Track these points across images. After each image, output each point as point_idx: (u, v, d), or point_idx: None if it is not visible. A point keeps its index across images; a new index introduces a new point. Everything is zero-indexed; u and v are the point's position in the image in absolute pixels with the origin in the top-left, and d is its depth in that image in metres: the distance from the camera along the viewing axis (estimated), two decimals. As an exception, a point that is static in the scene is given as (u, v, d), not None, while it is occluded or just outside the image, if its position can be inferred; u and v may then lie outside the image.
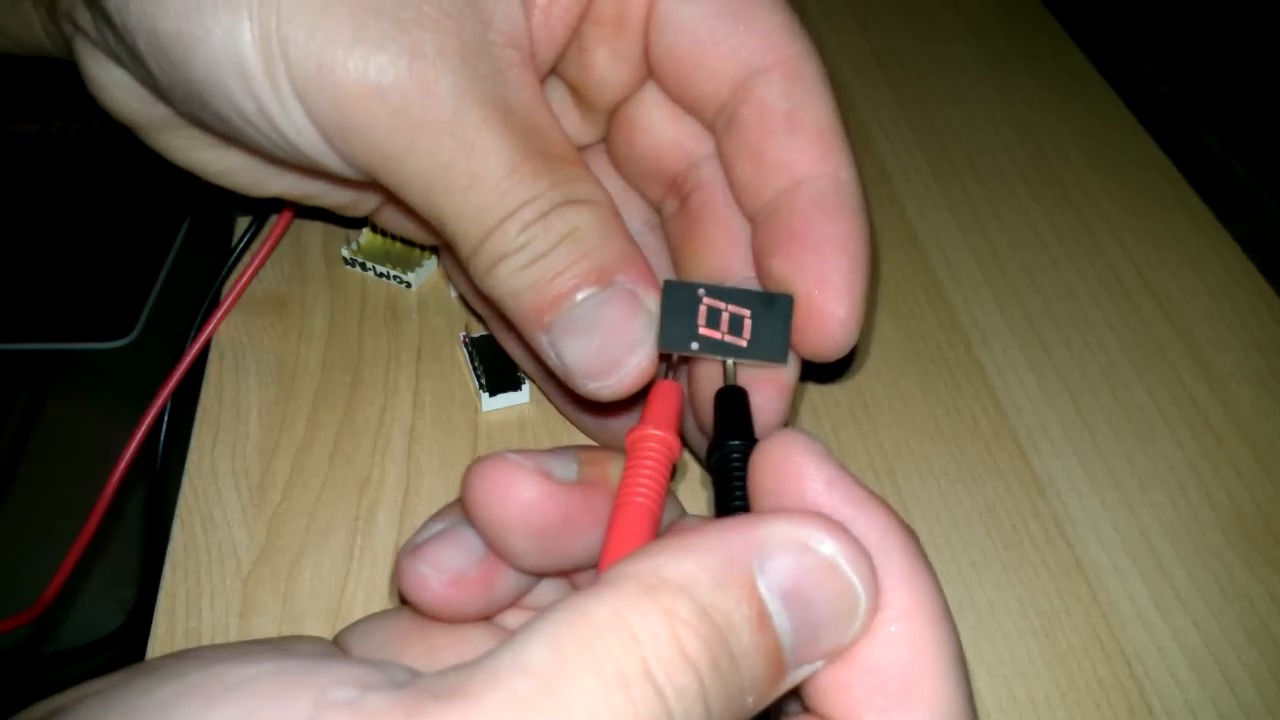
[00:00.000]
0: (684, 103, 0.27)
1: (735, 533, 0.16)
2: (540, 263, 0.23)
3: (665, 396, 0.23)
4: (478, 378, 0.35)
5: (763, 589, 0.16)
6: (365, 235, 0.39)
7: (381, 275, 0.38)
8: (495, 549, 0.21)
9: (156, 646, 0.29)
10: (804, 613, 0.16)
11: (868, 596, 0.17)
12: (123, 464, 0.32)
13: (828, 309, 0.24)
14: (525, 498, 0.20)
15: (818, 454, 0.18)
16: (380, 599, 0.30)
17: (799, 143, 0.25)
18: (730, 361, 0.25)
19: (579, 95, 0.28)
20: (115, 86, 0.27)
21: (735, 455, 0.21)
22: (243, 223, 0.40)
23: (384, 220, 0.33)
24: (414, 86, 0.22)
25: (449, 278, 0.38)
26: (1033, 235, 0.42)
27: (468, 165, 0.23)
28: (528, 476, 0.20)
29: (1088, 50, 0.52)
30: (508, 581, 0.21)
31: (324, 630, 0.29)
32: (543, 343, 0.24)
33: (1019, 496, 0.33)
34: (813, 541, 0.16)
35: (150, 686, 0.15)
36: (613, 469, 0.21)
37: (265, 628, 0.29)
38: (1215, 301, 0.40)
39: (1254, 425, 0.36)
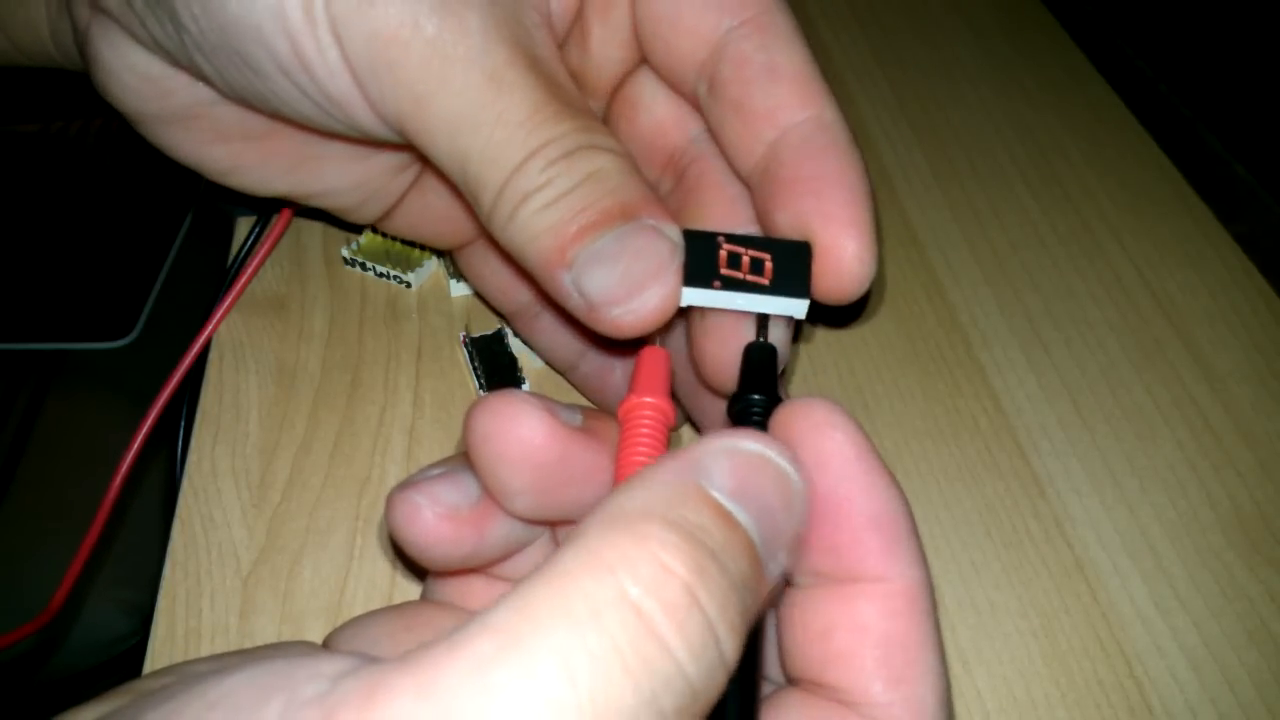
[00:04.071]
0: (670, 76, 0.27)
1: (670, 461, 0.17)
2: (564, 200, 0.23)
3: (653, 363, 0.23)
4: (478, 378, 0.35)
5: (715, 493, 0.16)
6: (365, 235, 0.39)
7: (381, 275, 0.38)
8: (490, 487, 0.20)
9: (156, 647, 0.29)
10: (756, 504, 0.17)
11: (800, 482, 0.18)
12: (125, 465, 0.32)
13: (839, 246, 0.24)
14: (526, 432, 0.20)
15: (848, 425, 0.19)
16: (380, 599, 0.30)
17: (780, 90, 0.25)
18: (759, 327, 0.24)
19: (579, 82, 0.28)
20: (128, 72, 0.27)
21: (756, 410, 0.21)
22: (243, 223, 0.40)
23: (391, 225, 0.32)
24: (448, 21, 0.23)
25: (454, 274, 0.38)
26: (1033, 235, 0.42)
27: (494, 101, 0.23)
28: (532, 411, 0.20)
29: (1088, 50, 0.52)
30: (499, 530, 0.21)
31: (324, 630, 0.29)
32: (564, 281, 0.24)
33: (1019, 496, 0.33)
34: (739, 444, 0.17)
35: (136, 714, 0.15)
36: (615, 430, 0.22)
37: (265, 628, 0.29)
38: (1215, 301, 0.40)
39: (1254, 425, 0.36)
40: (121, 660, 0.43)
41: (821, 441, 0.19)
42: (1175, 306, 0.40)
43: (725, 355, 0.25)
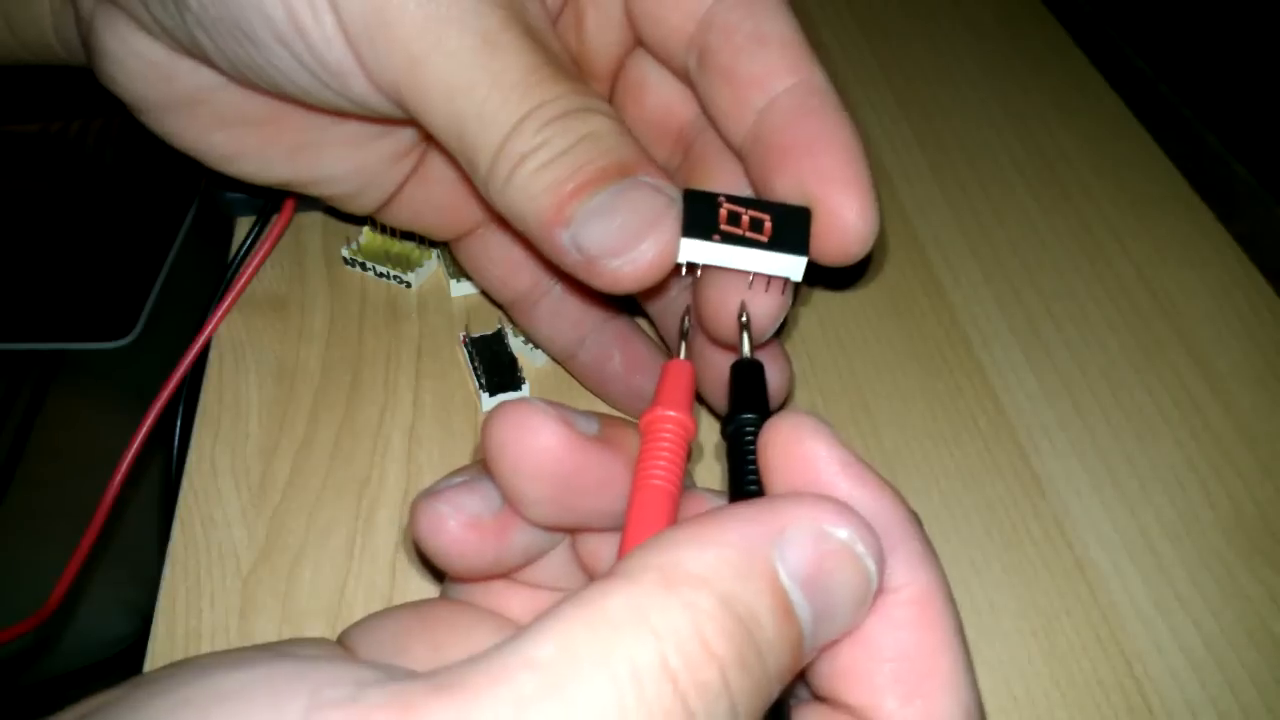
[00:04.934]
0: (662, 53, 0.28)
1: (755, 522, 0.16)
2: (560, 160, 0.23)
3: (678, 376, 0.23)
4: (478, 378, 0.35)
5: (784, 578, 0.16)
6: (365, 235, 0.39)
7: (381, 275, 0.38)
8: (509, 496, 0.21)
9: (156, 647, 0.29)
10: (822, 598, 0.16)
11: (877, 579, 0.17)
12: (125, 465, 0.32)
13: (841, 206, 0.24)
14: (543, 442, 0.20)
15: (828, 437, 0.19)
16: (381, 599, 0.30)
17: (768, 56, 0.25)
18: (746, 338, 0.25)
19: (578, 66, 0.29)
20: (133, 58, 0.27)
21: (749, 430, 0.21)
22: (243, 223, 0.40)
23: (390, 215, 0.33)
24: None
25: (454, 273, 0.38)
26: (1033, 235, 0.42)
27: (489, 63, 0.23)
28: (548, 422, 0.20)
29: (1088, 50, 0.52)
30: (521, 538, 0.21)
31: (324, 630, 0.29)
32: (563, 239, 0.24)
33: (1019, 496, 0.33)
34: (829, 527, 0.17)
35: (145, 701, 0.15)
36: (633, 437, 0.22)
37: (265, 628, 0.29)
38: (1215, 301, 0.40)
39: (1254, 425, 0.36)
40: (120, 659, 0.43)
41: (802, 459, 0.19)
42: (1175, 306, 0.40)
43: (729, 304, 0.25)
